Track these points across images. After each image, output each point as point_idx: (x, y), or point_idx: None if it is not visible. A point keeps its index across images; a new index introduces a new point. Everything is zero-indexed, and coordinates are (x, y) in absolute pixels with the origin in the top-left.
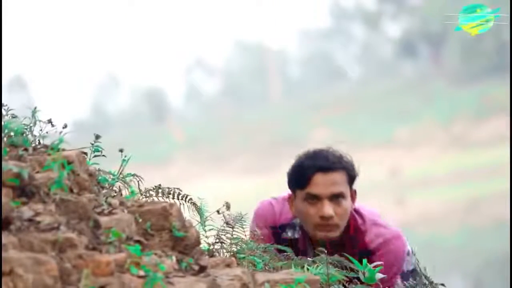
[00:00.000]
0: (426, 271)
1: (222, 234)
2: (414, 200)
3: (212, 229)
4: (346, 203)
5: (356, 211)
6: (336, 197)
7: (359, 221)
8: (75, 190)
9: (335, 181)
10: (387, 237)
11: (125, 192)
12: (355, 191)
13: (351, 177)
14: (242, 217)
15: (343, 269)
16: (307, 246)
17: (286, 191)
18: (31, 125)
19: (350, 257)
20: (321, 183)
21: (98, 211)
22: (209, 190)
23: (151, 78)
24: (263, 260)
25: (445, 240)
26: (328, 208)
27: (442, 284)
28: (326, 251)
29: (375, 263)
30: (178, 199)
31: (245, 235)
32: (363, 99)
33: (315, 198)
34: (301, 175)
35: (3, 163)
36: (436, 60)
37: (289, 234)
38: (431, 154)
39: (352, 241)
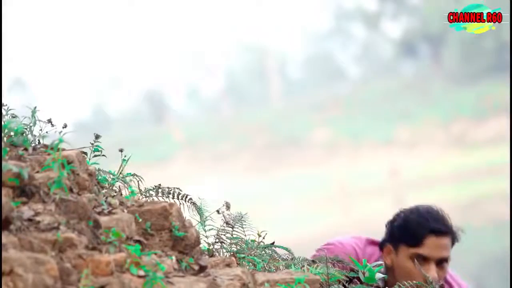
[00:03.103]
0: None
1: (222, 234)
2: (414, 200)
3: (212, 229)
4: (447, 267)
5: None
6: (441, 261)
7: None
8: (75, 190)
9: (445, 246)
10: None
11: (125, 192)
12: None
13: (453, 242)
14: (242, 217)
15: (343, 269)
16: None
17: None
18: (31, 125)
19: (350, 257)
20: (433, 246)
21: (98, 211)
22: (209, 190)
23: (151, 78)
24: (263, 260)
25: None
26: (435, 273)
27: (442, 285)
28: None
29: (375, 263)
30: (178, 199)
31: (245, 235)
32: (363, 99)
33: (422, 260)
34: (412, 233)
35: (3, 163)
36: (436, 60)
37: None
38: (431, 154)
39: None
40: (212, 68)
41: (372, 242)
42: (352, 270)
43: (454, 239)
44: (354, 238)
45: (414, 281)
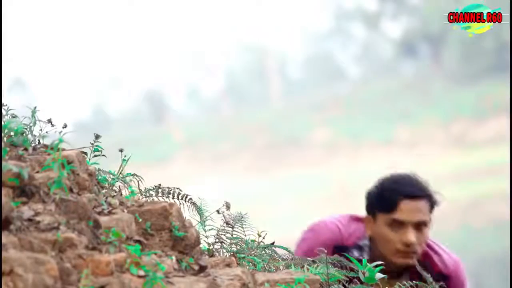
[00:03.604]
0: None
1: (222, 234)
2: None
3: (212, 229)
4: (427, 231)
5: None
6: (419, 225)
7: (427, 247)
8: (75, 190)
9: (421, 209)
10: (456, 262)
11: (125, 192)
12: (430, 219)
13: (433, 206)
14: (242, 217)
15: (343, 269)
16: None
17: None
18: (31, 125)
19: (350, 257)
20: (408, 210)
21: (98, 211)
22: (209, 190)
23: (151, 78)
24: (263, 260)
25: (445, 240)
26: (412, 236)
27: (441, 285)
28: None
29: (375, 263)
30: (178, 199)
31: (245, 235)
32: (363, 99)
33: (399, 224)
34: (386, 199)
35: (3, 163)
36: (436, 60)
37: (356, 254)
38: (431, 154)
39: (425, 267)
40: (212, 68)
41: (356, 219)
42: (352, 270)
43: (432, 202)
44: (338, 216)
45: (393, 247)
